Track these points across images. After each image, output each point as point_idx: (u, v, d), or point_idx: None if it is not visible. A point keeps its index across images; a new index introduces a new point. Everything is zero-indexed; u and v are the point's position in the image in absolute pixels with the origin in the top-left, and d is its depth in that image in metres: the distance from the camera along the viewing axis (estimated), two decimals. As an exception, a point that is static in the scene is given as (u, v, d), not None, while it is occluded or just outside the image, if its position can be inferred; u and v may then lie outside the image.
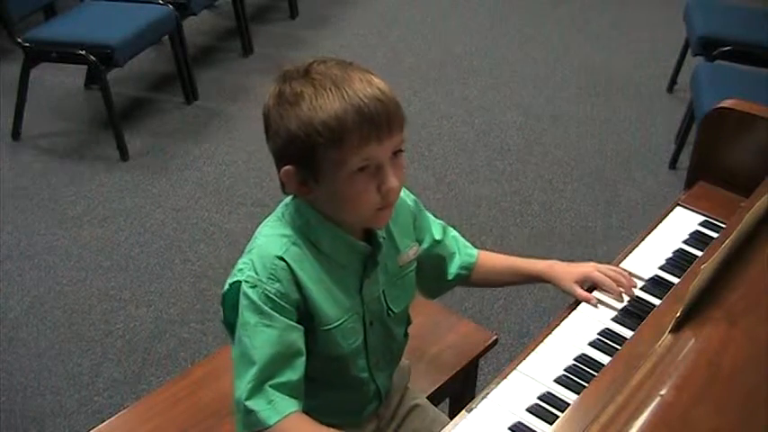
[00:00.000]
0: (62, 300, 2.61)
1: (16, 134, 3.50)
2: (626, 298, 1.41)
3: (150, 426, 1.51)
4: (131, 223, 2.99)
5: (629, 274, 1.45)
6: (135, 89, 3.96)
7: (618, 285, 1.41)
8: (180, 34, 3.73)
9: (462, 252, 1.47)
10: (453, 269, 1.46)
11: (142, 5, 3.58)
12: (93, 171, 3.29)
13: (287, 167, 1.16)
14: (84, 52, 3.22)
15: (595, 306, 1.39)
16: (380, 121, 1.11)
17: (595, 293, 1.41)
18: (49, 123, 3.65)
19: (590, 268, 1.44)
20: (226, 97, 3.90)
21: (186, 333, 2.49)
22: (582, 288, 1.42)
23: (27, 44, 3.28)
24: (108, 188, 3.19)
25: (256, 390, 1.14)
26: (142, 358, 2.40)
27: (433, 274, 1.45)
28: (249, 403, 1.14)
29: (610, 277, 1.42)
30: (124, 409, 1.58)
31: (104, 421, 1.53)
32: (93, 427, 1.51)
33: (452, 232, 1.48)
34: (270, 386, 1.14)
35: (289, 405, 1.15)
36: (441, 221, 1.47)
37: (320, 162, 1.13)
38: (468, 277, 1.48)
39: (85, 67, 3.60)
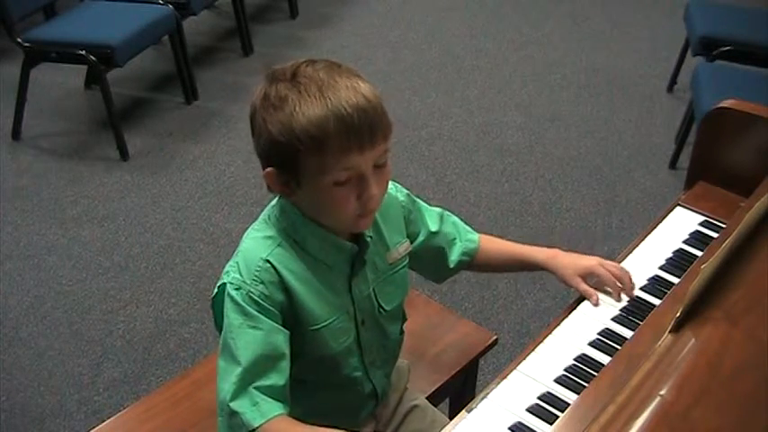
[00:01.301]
0: (62, 300, 2.61)
1: (16, 134, 3.50)
2: (625, 298, 1.41)
3: (150, 426, 1.51)
4: (131, 223, 2.99)
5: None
6: (135, 89, 3.96)
7: (621, 283, 1.40)
8: (180, 34, 3.73)
9: (463, 238, 1.46)
10: (454, 257, 1.45)
11: (142, 5, 3.58)
12: (93, 171, 3.29)
13: (269, 169, 1.16)
14: (84, 52, 3.22)
15: (596, 304, 1.39)
16: (362, 130, 1.09)
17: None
18: (49, 123, 3.66)
19: (594, 262, 1.43)
20: (226, 97, 3.90)
21: (186, 333, 2.49)
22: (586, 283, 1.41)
23: (27, 44, 3.28)
24: (108, 188, 3.19)
25: (241, 391, 1.13)
26: (142, 358, 2.40)
27: (434, 264, 1.45)
28: (233, 404, 1.13)
29: (613, 275, 1.41)
30: (124, 409, 1.58)
31: (104, 421, 1.53)
32: (93, 427, 1.51)
33: (452, 218, 1.48)
34: (254, 388, 1.13)
35: (274, 408, 1.14)
36: (438, 209, 1.46)
37: (301, 168, 1.13)
38: (471, 263, 1.47)
39: (85, 67, 3.60)
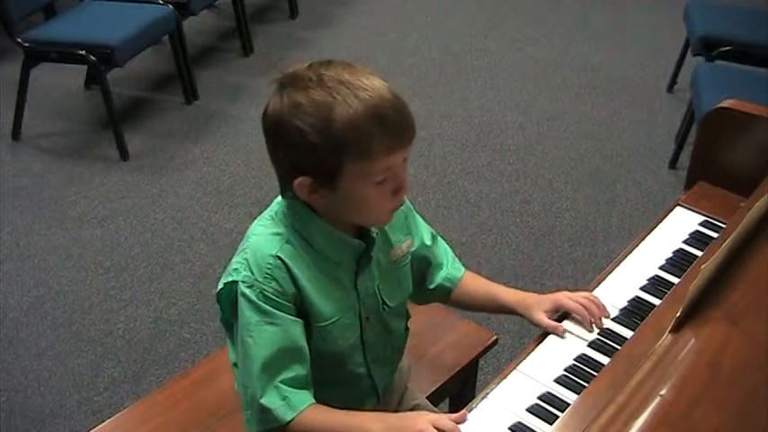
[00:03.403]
0: (62, 300, 2.61)
1: (16, 134, 3.49)
2: (596, 329, 1.35)
3: (150, 426, 1.51)
4: (131, 223, 2.99)
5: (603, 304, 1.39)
6: (135, 89, 3.96)
7: (589, 313, 1.36)
8: (180, 34, 3.73)
9: (450, 265, 1.46)
10: (437, 279, 1.44)
11: (142, 5, 3.58)
12: (93, 171, 3.29)
13: (302, 178, 1.14)
14: (84, 52, 3.22)
15: (563, 337, 1.34)
16: (401, 129, 1.13)
17: (565, 323, 1.36)
18: (49, 123, 3.65)
19: (559, 295, 1.39)
20: (226, 97, 3.90)
21: (186, 333, 2.49)
22: (552, 318, 1.36)
23: (27, 44, 3.28)
24: (108, 188, 3.19)
25: (268, 386, 1.16)
26: (142, 358, 2.40)
27: (416, 277, 1.43)
28: (264, 401, 1.16)
29: (582, 305, 1.36)
30: (124, 409, 1.58)
31: (104, 421, 1.53)
32: (93, 427, 1.51)
33: (444, 245, 1.47)
34: (281, 382, 1.16)
35: (302, 399, 1.17)
36: (432, 230, 1.46)
37: (342, 172, 1.12)
38: (451, 292, 1.45)
39: (85, 67, 3.60)
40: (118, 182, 3.23)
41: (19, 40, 3.27)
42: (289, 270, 1.18)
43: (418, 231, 1.41)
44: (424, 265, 1.43)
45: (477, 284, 1.47)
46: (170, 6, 3.61)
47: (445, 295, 1.46)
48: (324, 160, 1.11)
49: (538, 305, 1.38)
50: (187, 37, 3.84)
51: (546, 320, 1.36)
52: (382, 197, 1.16)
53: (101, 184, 3.22)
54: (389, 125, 1.10)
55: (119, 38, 3.27)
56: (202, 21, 4.49)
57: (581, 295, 1.39)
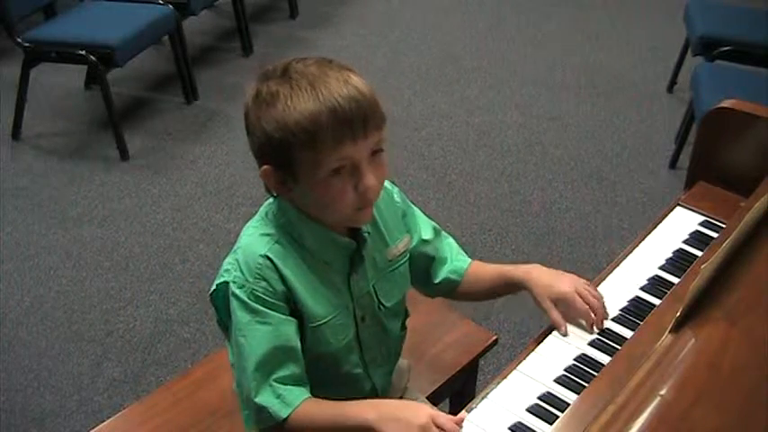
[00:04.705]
0: (62, 300, 2.61)
1: (16, 134, 3.50)
2: (596, 330, 1.34)
3: (150, 426, 1.51)
4: (131, 223, 2.99)
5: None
6: (135, 89, 3.96)
7: (594, 314, 1.33)
8: (180, 34, 3.73)
9: (455, 259, 1.44)
10: (442, 273, 1.43)
11: (142, 5, 3.58)
12: (93, 171, 3.29)
13: (265, 167, 1.17)
14: (84, 52, 3.22)
15: (565, 334, 1.33)
16: (355, 121, 1.10)
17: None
18: (49, 123, 3.66)
19: (569, 289, 1.34)
20: (226, 97, 3.90)
21: (186, 333, 2.49)
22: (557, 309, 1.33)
23: (27, 44, 3.28)
24: (108, 188, 3.19)
25: (262, 385, 1.16)
26: (142, 358, 2.40)
27: (419, 274, 1.43)
28: (258, 400, 1.16)
29: (588, 303, 1.33)
30: (124, 409, 1.58)
31: (104, 421, 1.53)
32: (93, 427, 1.52)
33: (448, 239, 1.46)
34: (274, 380, 1.16)
35: (297, 395, 1.17)
36: (435, 224, 1.44)
37: (296, 163, 1.13)
38: (458, 285, 1.43)
39: (85, 67, 3.60)
40: (118, 182, 3.23)
41: (19, 40, 3.27)
42: (278, 270, 1.18)
43: (417, 228, 1.40)
44: (425, 260, 1.42)
45: (483, 269, 1.45)
46: (170, 6, 3.61)
47: (453, 288, 1.44)
48: (277, 148, 1.13)
49: (546, 289, 1.34)
50: (187, 37, 3.84)
51: (555, 313, 1.33)
52: (343, 192, 1.14)
53: (101, 184, 3.22)
54: (339, 115, 1.09)
55: (119, 38, 3.27)
56: (202, 21, 4.49)
57: (588, 291, 1.35)
